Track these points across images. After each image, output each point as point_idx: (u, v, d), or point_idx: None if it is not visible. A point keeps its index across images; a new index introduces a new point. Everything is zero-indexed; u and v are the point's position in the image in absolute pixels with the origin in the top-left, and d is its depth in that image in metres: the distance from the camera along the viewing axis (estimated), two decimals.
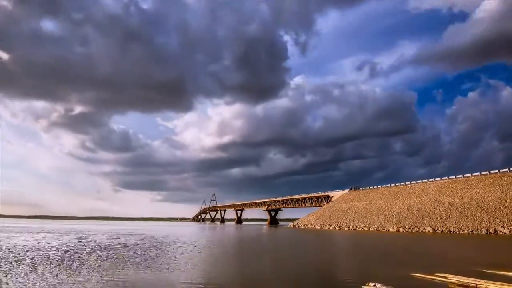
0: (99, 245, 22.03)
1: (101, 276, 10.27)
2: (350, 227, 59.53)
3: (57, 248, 19.78)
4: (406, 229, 48.78)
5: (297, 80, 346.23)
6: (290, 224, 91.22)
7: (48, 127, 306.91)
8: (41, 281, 9.26)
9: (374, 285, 8.39)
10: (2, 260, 13.67)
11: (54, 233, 40.87)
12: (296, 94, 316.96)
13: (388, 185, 72.33)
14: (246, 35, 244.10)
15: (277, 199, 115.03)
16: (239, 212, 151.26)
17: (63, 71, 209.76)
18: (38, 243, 23.86)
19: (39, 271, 11.04)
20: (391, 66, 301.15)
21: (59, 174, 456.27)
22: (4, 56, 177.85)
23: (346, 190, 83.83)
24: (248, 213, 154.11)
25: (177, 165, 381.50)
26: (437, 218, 47.83)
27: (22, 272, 10.78)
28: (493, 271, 10.85)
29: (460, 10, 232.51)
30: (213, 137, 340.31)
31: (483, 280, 8.68)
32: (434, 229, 45.05)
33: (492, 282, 8.48)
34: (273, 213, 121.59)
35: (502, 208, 42.19)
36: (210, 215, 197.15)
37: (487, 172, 53.55)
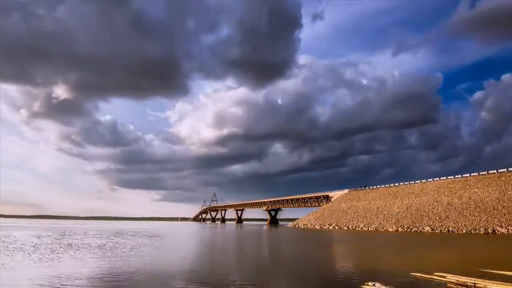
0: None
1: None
2: (350, 227, 59.48)
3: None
4: (405, 229, 48.74)
5: (306, 58, 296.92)
6: (290, 224, 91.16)
7: (29, 118, 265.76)
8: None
9: (373, 284, 8.38)
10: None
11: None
12: (306, 75, 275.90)
13: (387, 185, 72.38)
14: None
15: (277, 199, 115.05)
16: (239, 212, 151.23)
17: (37, 47, 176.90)
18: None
19: None
20: (418, 42, 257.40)
21: (52, 171, 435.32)
22: None
23: (346, 190, 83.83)
24: (248, 213, 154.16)
25: (174, 162, 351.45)
26: (435, 218, 47.78)
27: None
28: (492, 271, 10.83)
29: None
30: (211, 129, 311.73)
31: (481, 280, 8.67)
32: (433, 229, 45.00)
33: (490, 281, 8.46)
34: (273, 213, 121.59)
35: (500, 208, 42.15)
36: (211, 215, 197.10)
37: (485, 172, 53.59)
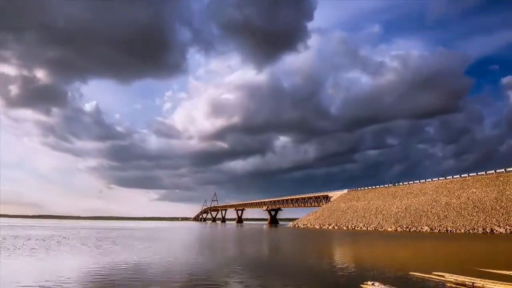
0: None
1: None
2: (349, 226, 59.45)
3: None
4: (404, 229, 48.71)
5: (319, 29, 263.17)
6: (290, 223, 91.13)
7: (5, 107, 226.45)
8: None
9: (372, 284, 8.38)
10: None
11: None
12: (317, 48, 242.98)
13: (386, 185, 72.38)
14: None
15: (277, 199, 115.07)
16: (239, 212, 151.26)
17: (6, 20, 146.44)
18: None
19: None
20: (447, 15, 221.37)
21: (44, 169, 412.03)
22: None
23: (345, 190, 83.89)
24: (248, 213, 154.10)
25: (170, 158, 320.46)
26: (434, 218, 47.76)
27: None
28: (490, 270, 10.83)
29: None
30: (207, 119, 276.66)
31: (479, 279, 8.67)
32: (431, 229, 44.98)
33: (488, 280, 8.47)
34: (273, 213, 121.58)
35: (498, 208, 42.13)
36: (211, 215, 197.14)
37: (484, 172, 53.63)
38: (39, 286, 8.49)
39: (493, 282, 8.23)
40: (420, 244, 25.63)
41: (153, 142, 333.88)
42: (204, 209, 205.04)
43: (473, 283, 8.40)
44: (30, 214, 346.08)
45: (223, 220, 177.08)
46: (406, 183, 67.02)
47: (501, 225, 38.50)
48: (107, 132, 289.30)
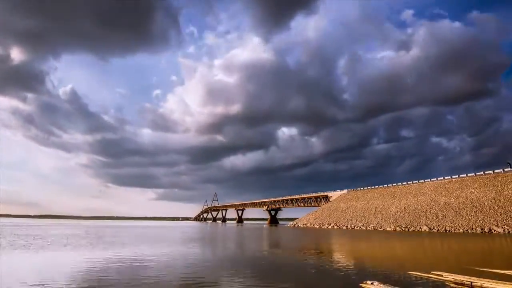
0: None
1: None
2: (348, 226, 59.42)
3: None
4: (403, 229, 48.68)
5: None
6: (290, 223, 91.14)
7: None
8: None
9: (372, 283, 8.39)
10: None
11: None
12: (333, 15, 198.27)
13: (385, 185, 72.38)
14: None
15: (277, 199, 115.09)
16: (240, 212, 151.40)
17: None
18: None
19: None
20: None
21: (33, 165, 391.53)
22: None
23: (345, 191, 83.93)
24: (249, 213, 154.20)
25: (165, 153, 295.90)
26: (433, 218, 47.73)
27: None
28: (488, 269, 10.83)
29: None
30: (204, 106, 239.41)
31: (478, 278, 8.67)
32: (430, 228, 44.95)
33: (486, 280, 8.47)
34: (273, 212, 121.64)
35: (496, 208, 42.10)
36: (212, 215, 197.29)
37: (482, 172, 53.65)
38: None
39: (491, 282, 8.23)
40: (419, 243, 25.61)
41: (147, 136, 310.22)
42: (205, 209, 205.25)
43: (471, 282, 8.40)
44: (32, 214, 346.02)
45: (224, 220, 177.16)
46: (405, 183, 67.06)
47: (499, 225, 38.48)
48: (94, 123, 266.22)
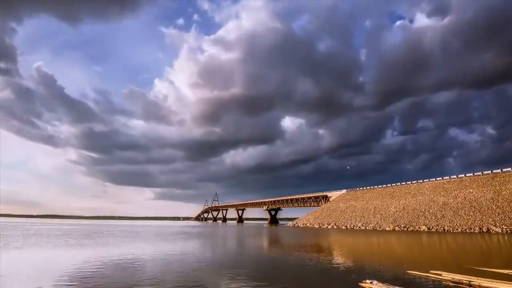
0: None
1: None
2: (348, 226, 59.39)
3: None
4: (402, 228, 48.64)
5: None
6: (290, 223, 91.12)
7: None
8: None
9: (371, 282, 8.39)
10: None
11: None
12: None
13: (385, 185, 72.41)
14: None
15: (277, 199, 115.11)
16: (240, 212, 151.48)
17: None
18: None
19: None
20: None
21: (20, 161, 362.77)
22: None
23: (344, 191, 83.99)
24: (249, 213, 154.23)
25: (159, 146, 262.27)
26: (431, 218, 47.70)
27: None
28: (486, 269, 10.83)
29: None
30: (198, 89, 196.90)
31: (476, 277, 8.67)
32: (429, 228, 44.92)
33: (485, 279, 8.47)
34: (273, 212, 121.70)
35: (494, 207, 42.08)
36: (212, 215, 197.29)
37: (480, 173, 53.66)
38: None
39: (489, 281, 8.23)
40: (418, 243, 25.59)
41: (139, 128, 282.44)
42: (205, 208, 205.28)
43: (469, 281, 8.40)
44: (34, 214, 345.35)
45: (224, 219, 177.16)
46: (404, 183, 67.10)
47: (497, 224, 38.45)
48: (77, 112, 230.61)
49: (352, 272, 11.05)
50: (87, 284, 8.68)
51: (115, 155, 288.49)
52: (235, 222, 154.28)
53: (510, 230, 36.31)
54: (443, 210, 48.06)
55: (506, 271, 10.14)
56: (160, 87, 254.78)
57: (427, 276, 9.74)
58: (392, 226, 50.79)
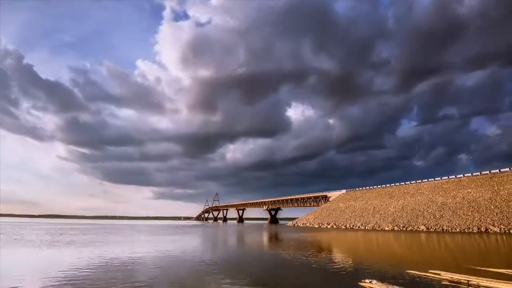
0: None
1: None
2: (347, 226, 59.37)
3: None
4: (401, 228, 48.62)
5: None
6: (290, 223, 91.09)
7: None
8: None
9: (370, 281, 8.41)
10: None
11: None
12: None
13: (384, 185, 72.41)
14: None
15: (277, 199, 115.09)
16: (240, 212, 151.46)
17: None
18: None
19: None
20: None
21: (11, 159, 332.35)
22: None
23: (344, 191, 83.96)
24: (249, 213, 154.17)
25: (153, 140, 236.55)
26: (430, 217, 47.68)
27: None
28: (484, 268, 10.85)
29: None
30: (188, 70, 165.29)
31: (474, 277, 8.69)
32: (427, 228, 44.90)
33: (483, 278, 8.49)
34: (273, 212, 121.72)
35: (492, 207, 42.06)
36: (213, 215, 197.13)
37: (479, 173, 53.67)
38: None
39: (487, 280, 8.25)
40: (417, 243, 25.59)
41: (129, 119, 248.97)
42: (206, 208, 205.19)
43: (468, 281, 8.42)
44: (36, 214, 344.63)
45: (225, 219, 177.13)
46: (403, 183, 67.14)
47: (496, 224, 38.44)
48: (58, 98, 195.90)
49: (352, 271, 11.07)
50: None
51: (107, 151, 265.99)
52: (235, 221, 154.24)
53: (508, 230, 36.30)
54: (442, 210, 48.04)
55: (504, 271, 10.15)
56: (145, 67, 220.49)
57: (426, 275, 9.76)
58: (391, 226, 50.77)
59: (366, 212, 62.06)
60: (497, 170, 50.76)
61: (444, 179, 58.40)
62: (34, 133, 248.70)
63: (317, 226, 68.11)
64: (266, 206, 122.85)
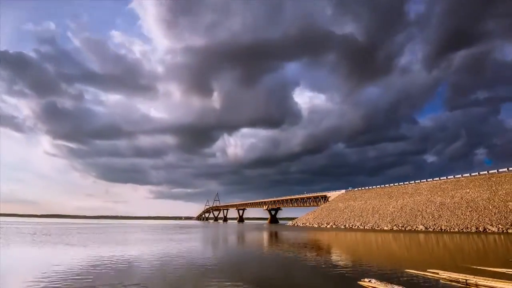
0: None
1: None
2: (347, 225, 59.35)
3: None
4: (400, 228, 48.60)
5: None
6: (290, 222, 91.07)
7: None
8: None
9: (369, 281, 8.42)
10: None
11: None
12: None
13: (383, 185, 72.37)
14: None
15: (277, 199, 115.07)
16: (241, 212, 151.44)
17: None
18: None
19: None
20: None
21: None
22: None
23: (343, 191, 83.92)
24: (249, 213, 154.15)
25: (144, 131, 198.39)
26: (429, 217, 47.66)
27: None
28: (482, 267, 10.86)
29: None
30: (172, 35, 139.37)
31: (472, 276, 8.70)
32: (426, 228, 44.88)
33: (481, 277, 8.50)
34: (273, 212, 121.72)
35: (490, 207, 42.05)
36: (214, 214, 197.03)
37: (477, 173, 53.65)
38: None
39: (485, 279, 8.26)
40: (415, 242, 25.59)
41: (116, 105, 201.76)
42: (207, 208, 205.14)
43: (466, 280, 8.43)
44: (39, 213, 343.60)
45: (225, 219, 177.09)
46: (402, 183, 67.10)
47: (494, 224, 38.42)
48: (27, 74, 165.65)
49: (351, 270, 11.09)
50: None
51: (94, 145, 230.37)
52: (235, 221, 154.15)
53: (506, 230, 36.28)
54: (440, 210, 48.02)
55: (502, 270, 10.17)
56: (121, 38, 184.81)
57: (424, 274, 9.77)
58: (390, 226, 50.75)
59: (365, 212, 62.03)
60: (495, 171, 50.79)
61: (443, 179, 58.40)
62: (12, 123, 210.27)
63: (316, 225, 68.07)
64: (266, 206, 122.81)
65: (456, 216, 44.29)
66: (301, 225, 75.12)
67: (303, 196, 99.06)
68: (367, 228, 53.78)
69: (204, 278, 9.60)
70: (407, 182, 65.81)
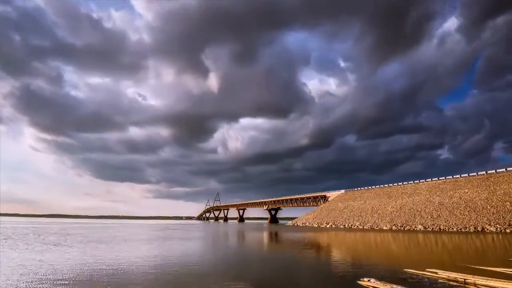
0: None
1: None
2: (346, 225, 59.31)
3: None
4: (399, 227, 48.56)
5: None
6: (290, 222, 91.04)
7: None
8: None
9: (368, 280, 8.42)
10: None
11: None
12: None
13: (382, 185, 72.42)
14: None
15: (277, 199, 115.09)
16: (241, 212, 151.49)
17: None
18: None
19: None
20: None
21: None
22: None
23: (342, 191, 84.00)
24: (249, 212, 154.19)
25: (135, 122, 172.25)
26: (428, 217, 47.62)
27: None
28: (481, 267, 10.85)
29: None
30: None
31: (471, 275, 8.69)
32: (425, 227, 44.84)
33: (479, 277, 8.49)
34: (273, 212, 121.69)
35: (489, 207, 42.01)
36: (214, 214, 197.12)
37: (475, 173, 53.67)
38: None
39: (484, 279, 8.25)
40: (414, 242, 25.57)
41: (99, 90, 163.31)
42: (207, 208, 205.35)
43: (465, 279, 8.42)
44: (41, 213, 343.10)
45: (225, 219, 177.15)
46: (401, 183, 67.17)
47: (492, 224, 38.38)
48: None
49: (351, 270, 11.08)
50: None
51: (78, 136, 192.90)
52: (236, 221, 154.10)
53: (505, 229, 36.25)
54: (439, 210, 47.99)
55: (500, 269, 10.16)
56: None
57: (423, 274, 9.76)
58: (389, 226, 50.71)
59: (365, 212, 61.99)
60: (494, 171, 50.81)
61: (441, 179, 58.44)
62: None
63: (316, 225, 68.04)
64: (266, 206, 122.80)
65: (455, 216, 44.25)
66: (301, 225, 75.08)
67: (303, 196, 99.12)
68: (366, 228, 53.74)
69: (204, 278, 9.60)
70: (406, 182, 65.93)
